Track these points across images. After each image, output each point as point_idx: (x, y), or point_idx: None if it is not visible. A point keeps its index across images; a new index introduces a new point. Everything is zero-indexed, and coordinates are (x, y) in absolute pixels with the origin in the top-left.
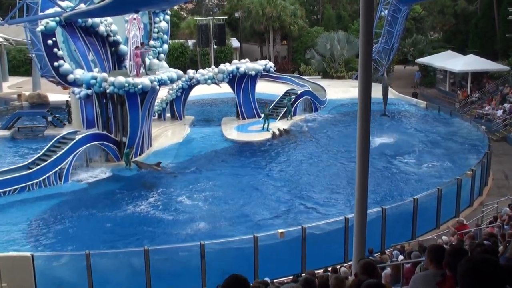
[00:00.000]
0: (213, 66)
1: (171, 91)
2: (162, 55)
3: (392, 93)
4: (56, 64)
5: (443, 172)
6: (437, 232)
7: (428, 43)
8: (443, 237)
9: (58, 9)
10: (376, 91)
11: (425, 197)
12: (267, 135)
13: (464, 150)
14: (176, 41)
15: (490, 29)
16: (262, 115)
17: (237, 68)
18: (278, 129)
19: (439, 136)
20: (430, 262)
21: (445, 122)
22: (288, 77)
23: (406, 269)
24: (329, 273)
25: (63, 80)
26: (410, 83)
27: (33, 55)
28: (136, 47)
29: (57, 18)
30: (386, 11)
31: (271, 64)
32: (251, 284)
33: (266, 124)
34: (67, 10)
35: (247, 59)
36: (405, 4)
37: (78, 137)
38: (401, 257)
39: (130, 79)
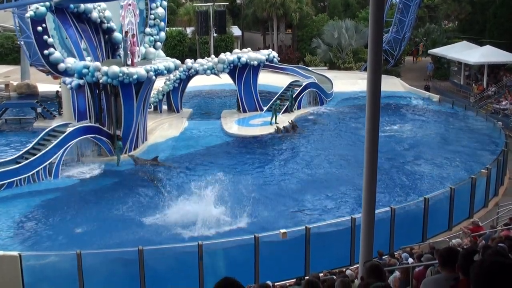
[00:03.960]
0: (212, 56)
1: (168, 82)
2: (159, 44)
3: (403, 86)
4: (46, 52)
5: (457, 170)
6: (449, 234)
7: (442, 32)
8: (454, 240)
9: None
10: (386, 83)
11: (436, 197)
12: (269, 129)
13: (479, 147)
14: (174, 28)
15: (509, 19)
16: (265, 109)
17: (239, 58)
18: (287, 124)
19: (453, 132)
20: (442, 265)
21: (459, 117)
22: (293, 68)
23: (417, 272)
24: (334, 276)
25: (54, 69)
26: (422, 76)
27: (22, 43)
28: (133, 35)
29: (48, 4)
30: None
31: (274, 54)
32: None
33: (274, 118)
34: None
35: (249, 49)
36: None
37: (69, 130)
38: (410, 260)
39: (124, 69)
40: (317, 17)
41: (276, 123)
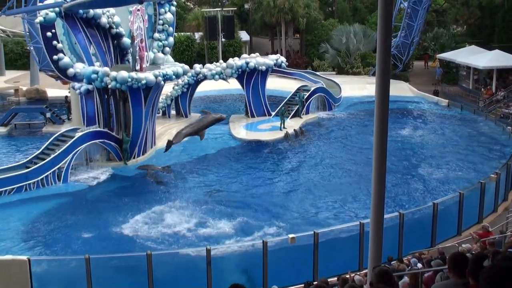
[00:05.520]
0: (221, 61)
1: (176, 87)
2: (167, 49)
3: (412, 91)
4: (55, 57)
5: (465, 175)
6: (458, 239)
7: (450, 37)
8: (464, 245)
9: (58, 0)
10: (394, 88)
11: (445, 202)
12: (278, 134)
13: (488, 152)
14: (182, 33)
15: None
16: (273, 114)
17: (247, 63)
18: (295, 129)
19: (462, 137)
20: (451, 270)
21: (468, 122)
22: (301, 72)
23: (426, 277)
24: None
25: (63, 75)
26: (430, 80)
27: (31, 48)
28: (141, 40)
29: (57, 9)
30: (405, 3)
31: (282, 58)
32: None
33: (281, 123)
34: (67, 0)
35: (257, 54)
36: None
37: (78, 134)
38: (419, 265)
39: (133, 74)
40: (326, 21)
41: (284, 128)
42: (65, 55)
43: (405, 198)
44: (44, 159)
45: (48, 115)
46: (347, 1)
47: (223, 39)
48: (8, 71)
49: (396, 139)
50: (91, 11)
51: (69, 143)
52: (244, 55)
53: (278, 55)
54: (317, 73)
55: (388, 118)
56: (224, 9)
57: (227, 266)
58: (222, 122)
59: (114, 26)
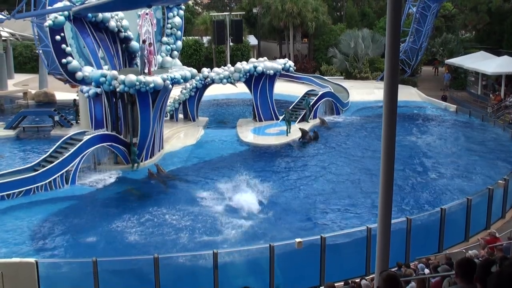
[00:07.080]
0: (229, 65)
1: (184, 91)
2: (175, 53)
3: (420, 96)
4: (64, 61)
5: (473, 181)
6: (466, 245)
7: (459, 42)
8: (471, 251)
9: (67, 3)
10: (403, 93)
11: (453, 208)
12: (285, 139)
13: (496, 158)
14: (190, 37)
15: None
16: (281, 118)
17: (255, 67)
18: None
19: (469, 143)
20: (459, 276)
21: (476, 128)
22: (309, 77)
23: (434, 283)
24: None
25: (71, 78)
26: (439, 86)
27: (40, 51)
28: (150, 44)
29: (66, 13)
30: (414, 8)
31: (290, 63)
32: None
33: (287, 128)
34: (76, 4)
35: (265, 58)
36: (435, 1)
37: (86, 138)
38: (426, 270)
39: (141, 77)
40: (335, 26)
41: (289, 133)
42: (73, 58)
43: (412, 203)
44: (52, 162)
45: (57, 118)
46: (356, 6)
47: (231, 43)
48: (17, 75)
49: (403, 144)
50: (100, 15)
51: (77, 146)
52: (252, 59)
53: (286, 59)
54: (325, 77)
55: (396, 123)
56: (232, 13)
57: (234, 270)
58: (229, 126)
59: (123, 30)
